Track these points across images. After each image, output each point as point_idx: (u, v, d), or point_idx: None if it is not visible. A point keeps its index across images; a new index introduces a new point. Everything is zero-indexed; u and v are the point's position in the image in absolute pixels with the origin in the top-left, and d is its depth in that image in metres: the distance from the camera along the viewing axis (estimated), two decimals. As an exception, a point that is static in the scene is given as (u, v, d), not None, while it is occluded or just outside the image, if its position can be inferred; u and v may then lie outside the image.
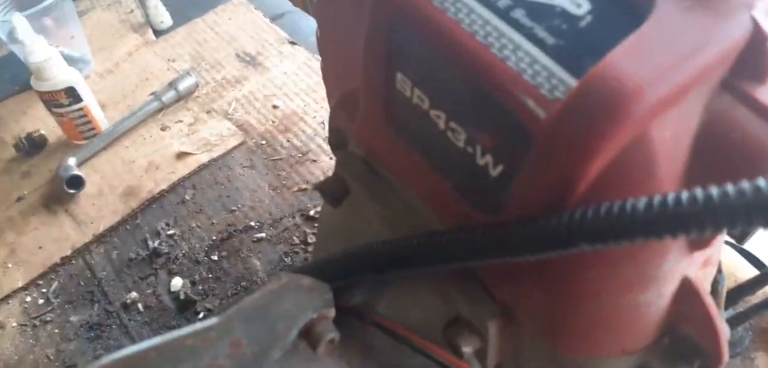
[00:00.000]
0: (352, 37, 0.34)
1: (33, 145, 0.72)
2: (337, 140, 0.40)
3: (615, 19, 0.24)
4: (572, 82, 0.22)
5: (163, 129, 0.73)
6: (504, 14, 0.25)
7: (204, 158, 0.68)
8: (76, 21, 0.80)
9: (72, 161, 0.68)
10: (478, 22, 0.25)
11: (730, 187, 0.19)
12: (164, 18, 0.91)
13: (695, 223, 0.19)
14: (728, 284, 0.40)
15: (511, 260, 0.24)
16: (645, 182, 0.22)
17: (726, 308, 0.38)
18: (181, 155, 0.69)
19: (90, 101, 0.69)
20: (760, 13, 0.22)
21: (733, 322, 0.38)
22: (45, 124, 0.74)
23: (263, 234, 0.60)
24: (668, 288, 0.25)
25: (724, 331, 0.26)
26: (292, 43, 0.84)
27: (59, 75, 0.66)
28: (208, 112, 0.74)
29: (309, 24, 0.89)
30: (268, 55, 0.82)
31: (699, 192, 0.19)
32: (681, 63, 0.21)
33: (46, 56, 0.65)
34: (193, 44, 0.86)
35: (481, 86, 0.25)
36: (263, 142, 0.70)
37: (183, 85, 0.75)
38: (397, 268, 0.29)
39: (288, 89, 0.77)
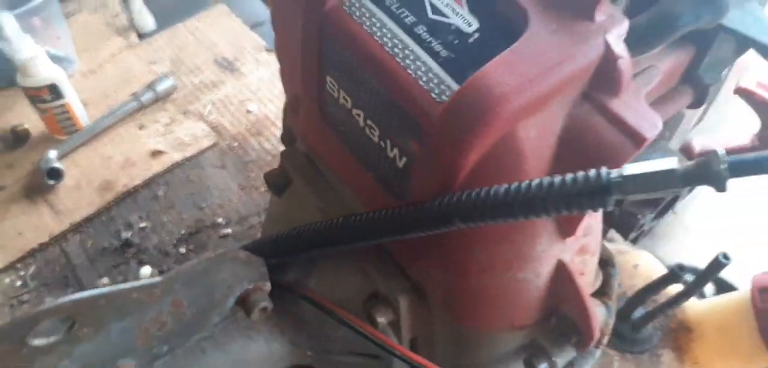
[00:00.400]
0: (296, 44, 0.38)
1: (17, 139, 0.76)
2: (288, 138, 0.45)
3: (496, 37, 0.28)
4: (456, 87, 0.27)
5: (140, 128, 0.77)
6: (409, 29, 0.30)
7: (177, 157, 0.72)
8: (62, 22, 0.84)
9: (53, 154, 0.71)
10: (387, 35, 0.30)
11: (568, 176, 0.23)
12: (148, 22, 0.96)
13: (541, 206, 0.24)
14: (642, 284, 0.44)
15: (408, 236, 0.28)
16: (515, 174, 0.27)
17: (635, 307, 0.42)
18: (156, 153, 0.73)
19: (72, 98, 0.73)
20: (612, 37, 0.27)
21: (642, 321, 0.42)
22: (29, 119, 0.77)
23: (229, 231, 0.64)
24: (544, 269, 0.30)
25: (597, 313, 0.31)
26: (269, 50, 0.88)
27: (43, 72, 0.70)
28: (184, 113, 0.79)
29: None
30: (245, 61, 0.87)
31: (544, 180, 0.23)
32: (543, 76, 0.26)
33: (32, 54, 0.69)
34: (174, 48, 0.90)
35: (387, 89, 0.29)
36: (235, 144, 0.74)
37: (161, 87, 0.79)
38: (321, 246, 0.33)
39: (262, 95, 0.81)
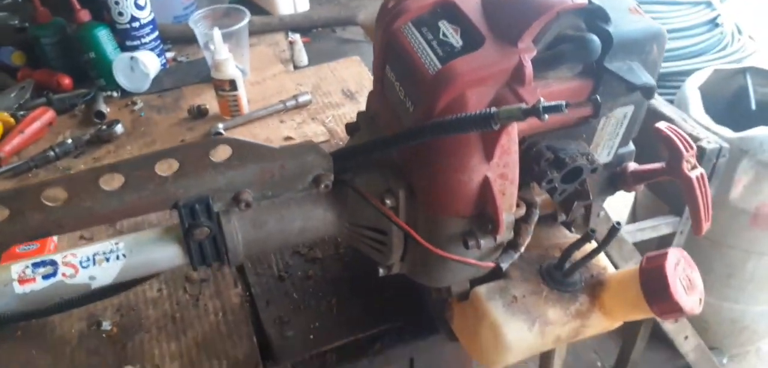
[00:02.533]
0: (376, 51, 0.64)
1: (199, 113, 1.09)
2: (350, 129, 0.71)
3: (468, 49, 0.52)
4: (440, 67, 0.51)
5: (281, 122, 1.07)
6: (429, 42, 0.55)
7: (302, 144, 1.01)
8: (246, 47, 1.19)
9: (220, 126, 1.03)
10: (418, 44, 0.55)
11: (475, 112, 0.47)
12: (303, 59, 1.29)
13: (458, 126, 0.47)
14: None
15: (405, 145, 0.52)
16: (460, 111, 0.50)
17: (565, 259, 0.62)
18: (287, 138, 1.02)
19: (242, 92, 1.05)
20: (524, 57, 0.50)
21: (569, 270, 0.62)
22: (209, 103, 1.11)
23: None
24: (476, 177, 0.52)
25: (504, 216, 0.52)
26: (383, 92, 1.16)
27: (229, 71, 1.03)
28: (312, 119, 1.08)
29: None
30: (362, 93, 1.15)
31: (461, 114, 0.47)
32: (483, 69, 0.49)
33: (225, 57, 1.02)
34: (316, 78, 1.22)
35: (412, 70, 0.54)
36: (341, 143, 1.02)
37: (301, 99, 1.10)
38: (364, 153, 0.58)
39: (370, 118, 1.08)
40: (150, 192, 0.53)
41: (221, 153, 0.55)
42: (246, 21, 1.15)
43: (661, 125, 0.60)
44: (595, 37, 0.51)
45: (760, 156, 1.48)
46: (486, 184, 0.52)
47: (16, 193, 0.50)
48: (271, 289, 0.74)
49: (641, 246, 1.54)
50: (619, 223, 0.56)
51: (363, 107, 1.13)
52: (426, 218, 0.56)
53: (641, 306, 0.56)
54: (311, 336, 0.68)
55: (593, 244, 0.60)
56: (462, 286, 0.62)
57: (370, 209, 0.58)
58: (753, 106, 1.73)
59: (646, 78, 0.53)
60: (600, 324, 0.60)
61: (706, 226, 0.60)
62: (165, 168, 0.53)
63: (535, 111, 0.44)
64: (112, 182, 0.52)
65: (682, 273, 0.55)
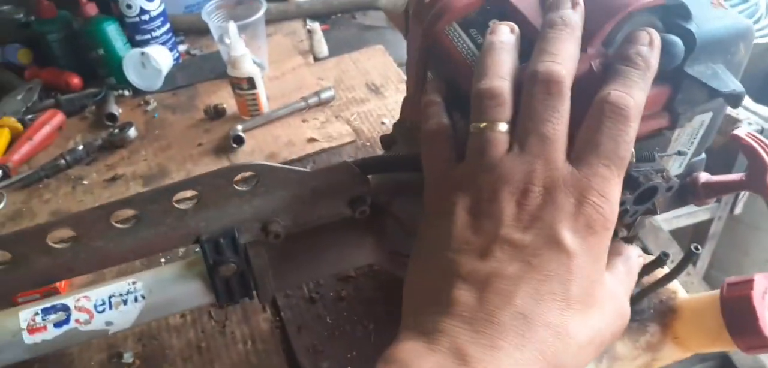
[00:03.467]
0: (414, 54, 0.58)
1: (216, 113, 1.03)
2: (386, 143, 0.64)
3: (526, 54, 0.45)
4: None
5: (303, 121, 1.01)
6: (478, 45, 0.48)
7: (325, 145, 0.95)
8: (263, 39, 1.12)
9: (239, 128, 0.97)
10: (464, 47, 0.48)
11: None
12: (323, 49, 1.22)
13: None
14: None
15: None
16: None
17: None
18: (311, 140, 0.96)
19: (261, 91, 0.99)
20: (594, 62, 0.43)
21: (637, 297, 0.55)
22: (226, 102, 1.05)
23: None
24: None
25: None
26: (409, 84, 1.10)
27: (246, 67, 0.97)
28: (336, 117, 1.01)
29: (427, 74, 1.14)
30: (388, 87, 1.08)
31: None
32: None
33: (242, 53, 0.96)
34: (338, 71, 1.15)
35: (458, 75, 0.47)
36: (368, 144, 0.95)
37: (324, 95, 1.03)
38: (396, 169, 0.51)
39: (395, 113, 1.01)
40: (168, 227, 0.47)
41: (245, 179, 0.49)
42: (262, 11, 1.08)
43: (741, 132, 0.52)
44: (677, 40, 0.44)
45: (799, 138, 1.40)
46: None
47: (18, 236, 0.44)
48: (302, 313, 0.68)
49: (677, 234, 1.47)
50: (697, 247, 0.49)
51: (389, 103, 1.06)
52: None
53: (723, 338, 0.50)
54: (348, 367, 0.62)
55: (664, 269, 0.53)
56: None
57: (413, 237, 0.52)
58: (790, 84, 1.64)
59: (734, 84, 0.45)
60: (672, 355, 0.54)
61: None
62: (184, 199, 0.47)
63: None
64: (126, 218, 0.46)
65: (771, 302, 0.48)
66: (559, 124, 0.36)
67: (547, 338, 0.32)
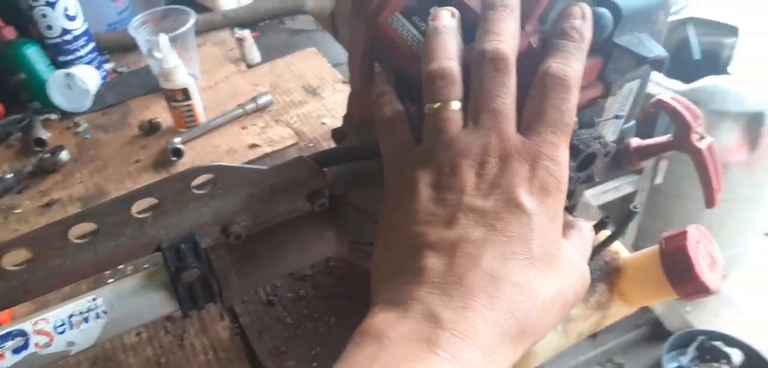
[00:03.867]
0: (357, 48, 0.59)
1: (152, 128, 1.00)
2: (337, 137, 0.65)
3: (470, 36, 0.48)
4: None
5: (242, 128, 1.00)
6: (421, 31, 0.50)
7: (267, 149, 0.95)
8: (195, 49, 1.10)
9: (177, 140, 0.95)
10: (409, 35, 0.50)
11: None
12: (255, 56, 1.21)
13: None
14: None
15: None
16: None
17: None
18: (253, 146, 0.96)
19: (196, 100, 0.98)
20: (533, 37, 0.45)
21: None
22: (160, 115, 1.03)
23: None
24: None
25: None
26: (344, 82, 1.11)
27: (181, 78, 0.95)
28: (276, 121, 1.01)
29: (361, 73, 1.16)
30: (325, 88, 1.09)
31: None
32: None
33: (175, 64, 0.94)
34: (273, 76, 1.15)
35: (405, 65, 0.49)
36: (311, 145, 0.96)
37: (261, 100, 1.03)
38: (349, 159, 0.53)
39: (335, 113, 1.03)
40: (128, 238, 0.47)
41: (203, 182, 0.49)
42: (192, 22, 1.06)
43: (665, 96, 0.57)
44: (606, 12, 0.47)
45: (711, 105, 1.50)
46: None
47: (-31, 263, 0.43)
48: (262, 317, 0.68)
49: (606, 208, 1.55)
50: (635, 207, 0.53)
51: (328, 103, 1.07)
52: None
53: (664, 290, 0.53)
54: (314, 364, 0.63)
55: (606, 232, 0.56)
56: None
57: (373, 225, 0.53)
58: (697, 56, 1.76)
59: (658, 50, 0.49)
60: (619, 311, 0.58)
61: (718, 197, 0.58)
62: (142, 208, 0.47)
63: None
64: (83, 232, 0.45)
65: (703, 250, 0.53)
66: (507, 98, 0.38)
67: (515, 295, 0.34)
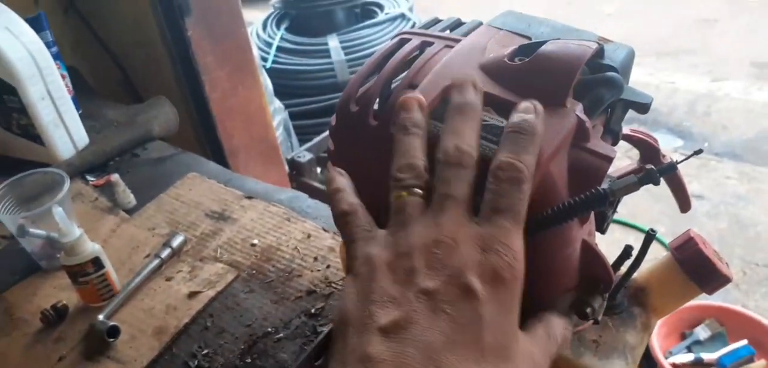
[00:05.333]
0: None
1: (59, 315, 0.85)
2: None
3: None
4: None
5: (167, 279, 0.90)
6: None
7: (211, 293, 0.86)
8: (73, 213, 0.96)
9: (102, 317, 0.82)
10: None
11: (587, 193, 0.45)
12: (130, 199, 1.10)
13: (578, 211, 0.45)
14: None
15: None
16: (553, 192, 0.49)
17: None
18: (192, 294, 0.86)
19: (109, 266, 0.86)
20: (578, 111, 0.50)
21: (614, 290, 0.65)
22: (60, 296, 0.88)
23: (281, 335, 0.79)
24: (577, 246, 0.51)
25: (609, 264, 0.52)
26: (249, 197, 1.06)
27: (88, 248, 0.83)
28: (200, 260, 0.93)
29: (253, 184, 1.11)
30: (233, 209, 1.03)
31: (576, 197, 0.45)
32: (554, 140, 0.48)
33: (78, 234, 0.81)
34: (165, 214, 1.05)
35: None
36: (254, 272, 0.90)
37: (176, 243, 0.94)
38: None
39: (259, 230, 0.98)
40: None
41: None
42: (67, 184, 0.93)
43: (628, 131, 0.66)
44: (617, 74, 0.54)
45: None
46: (586, 247, 0.52)
47: None
48: None
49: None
50: (653, 230, 0.61)
51: (245, 222, 1.01)
52: (531, 306, 0.53)
53: (691, 292, 0.61)
54: None
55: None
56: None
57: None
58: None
59: (646, 96, 0.58)
60: (655, 325, 0.65)
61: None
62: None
63: (650, 177, 0.46)
64: None
65: (709, 248, 0.62)
66: (464, 188, 0.41)
67: None
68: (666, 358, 1.92)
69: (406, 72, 0.57)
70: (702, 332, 2.00)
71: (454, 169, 0.42)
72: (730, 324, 1.99)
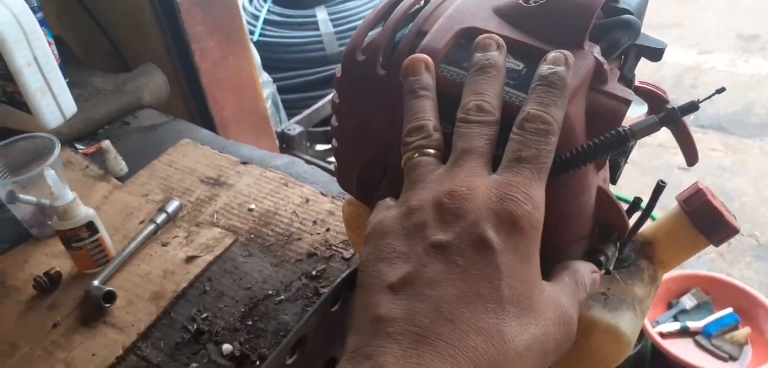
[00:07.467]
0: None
1: (52, 282, 0.83)
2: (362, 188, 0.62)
3: (535, 69, 0.49)
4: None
5: (164, 245, 0.88)
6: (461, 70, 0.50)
7: (209, 257, 0.85)
8: (65, 178, 0.93)
9: (97, 283, 0.80)
10: (457, 76, 0.50)
11: (607, 134, 0.44)
12: (122, 166, 1.07)
13: (598, 153, 0.44)
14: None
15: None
16: (572, 134, 0.47)
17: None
18: (189, 258, 0.85)
19: (103, 232, 0.83)
20: (596, 53, 0.49)
21: (621, 246, 0.64)
22: (53, 263, 0.85)
23: (282, 297, 0.78)
24: (592, 193, 0.50)
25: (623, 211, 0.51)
26: (244, 163, 1.04)
27: (82, 212, 0.80)
28: (197, 225, 0.91)
29: (248, 151, 1.09)
30: (228, 175, 1.01)
31: (596, 139, 0.44)
32: (576, 80, 0.47)
33: (71, 198, 0.79)
34: (159, 180, 1.02)
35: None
36: (252, 236, 0.88)
37: (171, 208, 0.92)
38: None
39: (255, 195, 0.96)
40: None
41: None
42: (58, 148, 0.90)
43: (636, 83, 0.65)
44: (634, 17, 0.53)
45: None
46: (601, 194, 0.51)
47: None
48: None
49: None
50: (663, 181, 0.60)
51: (241, 187, 0.99)
52: (545, 253, 0.52)
53: (699, 243, 0.60)
54: None
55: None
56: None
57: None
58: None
59: (659, 42, 0.57)
60: (663, 276, 0.64)
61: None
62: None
63: (671, 117, 0.44)
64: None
65: (716, 200, 0.61)
66: (482, 140, 0.40)
67: (480, 345, 0.31)
68: (653, 327, 1.94)
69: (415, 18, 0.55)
70: (688, 301, 2.01)
71: (474, 126, 0.40)
72: (715, 292, 2.01)
